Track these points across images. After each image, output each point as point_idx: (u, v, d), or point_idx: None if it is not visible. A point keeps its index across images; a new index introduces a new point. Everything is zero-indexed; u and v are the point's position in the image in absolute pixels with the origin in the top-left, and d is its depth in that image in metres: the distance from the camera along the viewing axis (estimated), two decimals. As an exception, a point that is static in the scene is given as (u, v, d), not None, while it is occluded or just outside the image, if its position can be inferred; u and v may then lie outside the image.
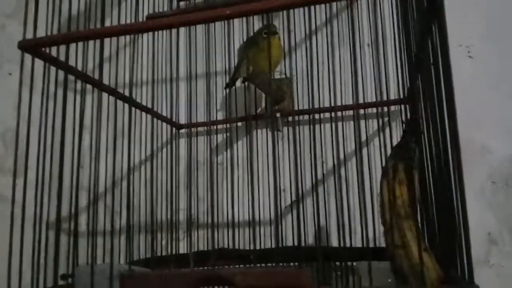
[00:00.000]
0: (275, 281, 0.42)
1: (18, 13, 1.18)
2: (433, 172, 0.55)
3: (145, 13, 0.81)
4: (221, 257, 0.66)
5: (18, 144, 0.56)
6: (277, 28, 0.87)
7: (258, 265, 0.65)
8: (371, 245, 0.79)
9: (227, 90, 0.94)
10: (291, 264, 0.71)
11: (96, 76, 0.64)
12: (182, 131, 0.98)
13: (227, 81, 0.93)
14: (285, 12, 0.86)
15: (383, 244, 0.54)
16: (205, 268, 0.66)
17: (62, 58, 0.60)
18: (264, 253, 0.69)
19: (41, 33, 0.57)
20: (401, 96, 0.83)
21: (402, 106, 0.83)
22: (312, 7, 0.64)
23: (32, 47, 0.55)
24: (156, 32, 0.57)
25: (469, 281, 0.39)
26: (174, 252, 0.89)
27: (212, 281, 0.43)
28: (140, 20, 0.64)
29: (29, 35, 0.56)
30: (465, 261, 0.41)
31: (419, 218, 0.63)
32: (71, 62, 0.61)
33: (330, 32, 0.91)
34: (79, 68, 0.63)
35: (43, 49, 0.56)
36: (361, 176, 0.51)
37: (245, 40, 0.92)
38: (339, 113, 0.88)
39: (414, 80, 0.70)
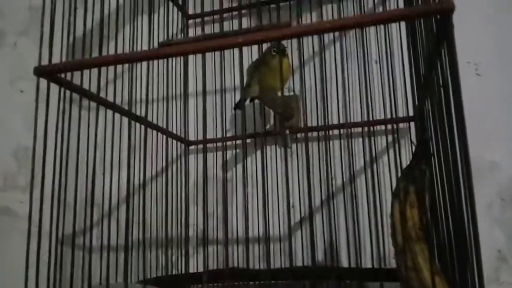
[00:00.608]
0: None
1: (29, 31, 1.20)
2: (444, 193, 0.55)
3: (156, 29, 0.83)
4: (232, 277, 0.67)
5: (35, 160, 0.57)
6: (285, 46, 0.88)
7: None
8: (379, 265, 0.79)
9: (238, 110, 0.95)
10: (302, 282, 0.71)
11: (110, 94, 0.66)
12: (192, 147, 1.00)
13: (237, 98, 0.94)
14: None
15: (393, 265, 0.55)
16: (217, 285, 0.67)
17: (76, 77, 0.61)
18: (275, 273, 0.69)
19: (55, 50, 0.58)
20: (410, 114, 0.84)
21: (411, 124, 0.84)
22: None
23: (47, 72, 0.56)
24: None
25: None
26: (184, 268, 0.90)
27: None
28: (152, 38, 0.66)
29: (43, 54, 0.57)
30: (476, 283, 0.41)
31: (430, 239, 0.63)
32: (85, 82, 0.63)
33: (339, 50, 0.92)
34: (93, 88, 0.64)
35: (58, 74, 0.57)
36: (373, 195, 0.52)
37: (254, 58, 0.93)
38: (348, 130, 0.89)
39: (422, 99, 0.71)
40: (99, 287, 0.59)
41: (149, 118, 0.84)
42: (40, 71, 0.55)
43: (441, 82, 0.51)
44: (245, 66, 0.94)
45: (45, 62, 0.57)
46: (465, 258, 0.44)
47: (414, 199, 0.52)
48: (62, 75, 0.59)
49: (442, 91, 0.51)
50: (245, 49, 0.96)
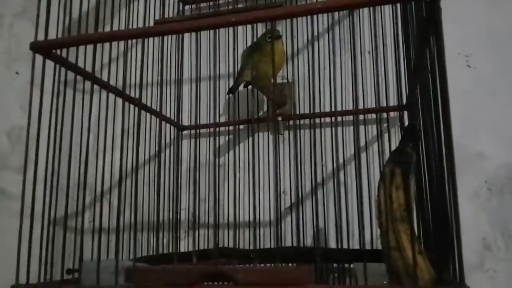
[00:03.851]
0: (276, 278, 0.44)
1: (26, 12, 1.20)
2: (430, 177, 0.56)
3: (152, 13, 0.83)
4: (221, 256, 0.68)
5: (29, 142, 0.58)
6: (280, 32, 0.88)
7: (258, 264, 0.67)
8: (368, 247, 0.80)
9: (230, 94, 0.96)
10: (290, 264, 0.72)
11: (104, 76, 0.66)
12: (185, 132, 1.00)
13: (231, 84, 0.95)
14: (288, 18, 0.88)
15: (380, 247, 0.56)
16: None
17: (71, 58, 0.62)
18: (264, 253, 0.71)
19: (51, 32, 0.59)
20: (400, 103, 0.85)
21: (401, 112, 0.85)
22: (315, 15, 0.66)
23: (43, 48, 0.57)
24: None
25: (460, 283, 0.40)
26: (175, 251, 0.91)
27: (214, 277, 0.44)
28: (148, 21, 0.67)
29: (39, 33, 0.58)
30: (456, 263, 0.43)
31: (415, 222, 0.65)
32: (80, 62, 0.63)
33: (331, 39, 0.93)
34: (88, 68, 0.65)
35: (54, 51, 0.58)
36: (359, 181, 0.53)
37: (249, 44, 0.94)
38: (339, 118, 0.90)
39: (413, 88, 0.72)
40: (90, 262, 0.60)
41: (143, 102, 0.85)
42: (35, 47, 0.55)
43: (429, 69, 0.53)
44: (240, 50, 0.95)
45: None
46: (447, 239, 0.45)
47: (400, 181, 0.53)
48: (58, 53, 0.59)
49: (430, 78, 0.52)
50: (240, 34, 0.97)
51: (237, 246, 0.89)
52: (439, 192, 0.49)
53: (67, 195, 0.57)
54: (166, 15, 0.95)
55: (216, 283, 0.46)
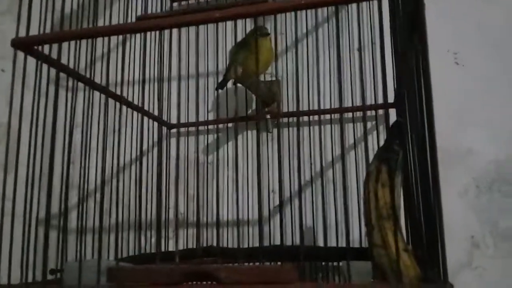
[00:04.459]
0: (260, 276, 0.43)
1: (11, 10, 1.18)
2: (416, 175, 0.56)
3: (138, 13, 0.83)
4: (208, 255, 0.68)
5: (10, 140, 0.57)
6: (268, 29, 0.88)
7: (245, 263, 0.67)
8: (356, 245, 0.80)
9: (219, 91, 0.95)
10: (276, 263, 0.72)
11: (88, 74, 0.65)
12: (174, 130, 0.99)
13: (219, 82, 0.94)
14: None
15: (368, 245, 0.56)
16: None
17: (54, 55, 0.61)
18: (251, 251, 0.70)
19: (34, 30, 0.58)
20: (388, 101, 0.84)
21: (387, 110, 0.85)
22: (303, 11, 0.65)
23: (24, 45, 0.56)
24: (148, 33, 0.58)
25: (444, 280, 0.40)
26: (163, 250, 0.90)
27: (198, 276, 0.44)
28: (132, 20, 0.66)
29: (22, 32, 0.57)
30: (440, 261, 0.42)
31: (404, 219, 0.65)
32: (64, 60, 0.62)
33: (321, 35, 0.93)
34: (71, 66, 0.64)
35: (36, 47, 0.57)
36: (343, 179, 0.52)
37: (237, 41, 0.93)
38: (327, 116, 0.89)
39: (400, 85, 0.71)
40: (73, 262, 0.59)
41: (130, 99, 0.83)
42: (17, 43, 0.54)
43: (414, 67, 0.52)
44: (229, 46, 0.94)
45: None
46: (433, 238, 0.45)
47: (386, 178, 0.53)
48: (40, 49, 0.58)
49: (415, 73, 0.52)
50: (229, 31, 0.96)
51: (226, 245, 0.88)
52: (424, 189, 0.48)
53: (48, 194, 0.56)
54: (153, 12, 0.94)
55: (202, 282, 0.45)
